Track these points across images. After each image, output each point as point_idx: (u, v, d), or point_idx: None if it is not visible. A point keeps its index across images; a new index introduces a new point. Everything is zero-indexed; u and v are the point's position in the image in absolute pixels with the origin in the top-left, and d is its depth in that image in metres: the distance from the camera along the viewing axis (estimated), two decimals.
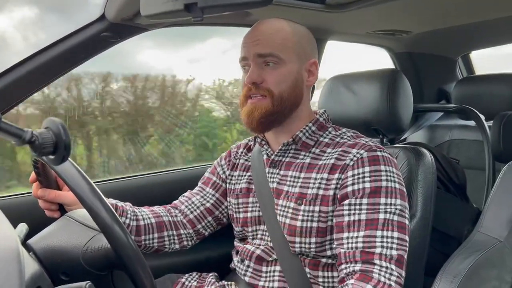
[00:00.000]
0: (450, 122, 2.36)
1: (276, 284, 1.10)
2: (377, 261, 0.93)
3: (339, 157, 1.06)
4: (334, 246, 1.02)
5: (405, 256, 0.96)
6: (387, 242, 0.95)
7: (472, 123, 2.13)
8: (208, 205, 1.27)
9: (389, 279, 0.91)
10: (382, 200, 0.98)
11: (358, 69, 1.50)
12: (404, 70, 2.27)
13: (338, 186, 1.03)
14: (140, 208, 1.21)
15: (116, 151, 2.68)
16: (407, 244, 0.97)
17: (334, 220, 1.02)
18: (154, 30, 1.35)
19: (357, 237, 0.96)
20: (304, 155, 1.12)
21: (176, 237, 1.23)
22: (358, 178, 1.01)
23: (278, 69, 1.07)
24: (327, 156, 1.08)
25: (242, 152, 1.28)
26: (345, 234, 0.98)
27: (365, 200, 0.99)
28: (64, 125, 0.54)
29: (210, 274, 1.25)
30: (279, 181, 1.13)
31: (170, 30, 1.43)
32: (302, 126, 1.13)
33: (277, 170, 1.14)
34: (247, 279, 1.15)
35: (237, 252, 1.24)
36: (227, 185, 1.28)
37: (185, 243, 1.26)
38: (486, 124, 1.93)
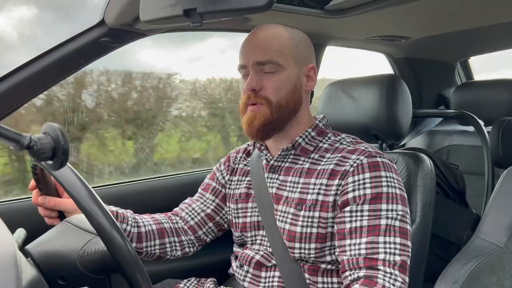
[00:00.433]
0: (449, 128, 2.36)
1: None
2: (381, 267, 0.92)
3: (338, 162, 1.06)
4: (336, 253, 1.01)
5: (408, 262, 0.95)
6: (390, 248, 0.94)
7: (471, 128, 2.13)
8: (208, 211, 1.27)
9: (394, 285, 0.91)
10: (384, 206, 0.98)
11: (357, 75, 1.50)
12: (403, 75, 2.28)
13: (338, 192, 1.03)
14: (141, 216, 1.20)
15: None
16: (410, 250, 0.97)
17: (335, 227, 1.02)
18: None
19: (359, 243, 0.96)
20: (304, 161, 1.12)
21: (177, 244, 1.23)
22: (359, 184, 1.01)
23: (277, 76, 1.07)
24: (326, 162, 1.08)
25: (241, 157, 1.28)
26: (347, 241, 0.98)
27: (366, 207, 0.98)
28: (63, 130, 0.54)
29: (209, 280, 1.25)
30: (278, 186, 1.13)
31: None
32: (301, 131, 1.13)
33: (276, 175, 1.14)
34: (246, 284, 1.15)
35: (236, 257, 1.23)
36: (227, 190, 1.28)
37: (187, 249, 1.25)
38: (485, 129, 1.93)
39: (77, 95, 2.23)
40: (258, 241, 1.17)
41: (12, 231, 0.79)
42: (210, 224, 1.27)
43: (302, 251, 1.06)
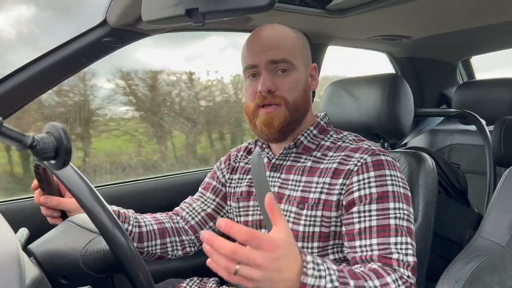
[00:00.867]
0: (451, 127, 2.36)
1: None
2: (396, 266, 0.91)
3: (341, 161, 1.05)
4: (346, 251, 1.01)
5: (416, 262, 0.95)
6: (401, 249, 0.94)
7: (473, 127, 2.13)
8: (209, 210, 1.27)
9: (407, 280, 0.90)
10: (391, 205, 0.98)
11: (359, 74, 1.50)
12: (405, 75, 2.28)
13: (343, 192, 1.02)
14: (143, 215, 1.21)
15: None
16: (415, 250, 0.97)
17: (344, 228, 1.01)
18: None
19: (371, 244, 0.95)
20: (306, 159, 1.12)
21: (178, 243, 1.23)
22: (364, 184, 1.00)
23: (290, 75, 1.06)
24: (329, 160, 1.08)
25: (242, 156, 1.28)
26: (357, 242, 0.97)
27: (374, 206, 0.98)
28: (65, 130, 0.54)
29: (211, 279, 1.25)
30: (280, 185, 1.13)
31: None
32: (303, 129, 1.13)
33: (278, 173, 1.14)
34: None
35: None
36: (227, 188, 1.27)
37: (187, 249, 1.25)
38: (487, 128, 1.93)
39: None
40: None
41: (15, 230, 0.80)
42: (211, 224, 1.27)
43: (305, 250, 1.06)
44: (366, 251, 0.95)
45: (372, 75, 1.43)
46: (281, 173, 1.13)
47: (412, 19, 1.64)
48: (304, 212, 1.05)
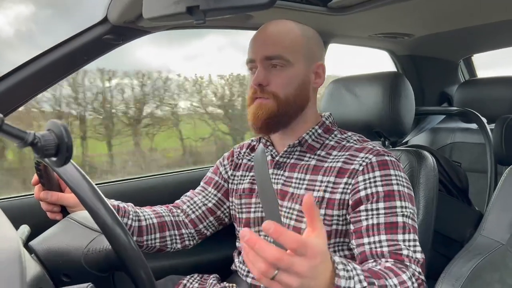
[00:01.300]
0: (452, 125, 2.36)
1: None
2: (407, 263, 0.92)
3: (346, 160, 1.06)
4: (354, 248, 1.01)
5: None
6: (409, 246, 0.94)
7: (474, 126, 2.13)
8: (210, 205, 1.27)
9: (419, 277, 0.91)
10: (398, 203, 0.98)
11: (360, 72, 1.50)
12: (406, 73, 2.27)
13: (348, 191, 1.03)
14: (142, 208, 1.21)
15: None
16: None
17: (351, 227, 1.01)
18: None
19: (380, 241, 0.95)
20: (309, 157, 1.12)
21: (178, 237, 1.23)
22: (370, 183, 1.01)
23: (285, 72, 1.07)
24: (333, 159, 1.08)
25: (245, 152, 1.28)
26: (366, 239, 0.97)
27: (381, 204, 0.98)
28: (67, 127, 0.54)
29: (212, 276, 1.25)
30: (283, 182, 1.13)
31: None
32: (308, 128, 1.13)
33: (282, 171, 1.14)
34: (249, 280, 1.15)
35: (238, 253, 1.24)
36: (230, 185, 1.28)
37: (186, 242, 1.26)
38: (488, 127, 1.93)
39: None
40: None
41: (16, 227, 0.80)
42: (211, 218, 1.27)
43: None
44: (376, 247, 0.95)
45: (373, 73, 1.43)
46: (285, 171, 1.14)
47: (414, 17, 1.64)
48: None
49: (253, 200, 1.19)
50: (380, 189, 1.00)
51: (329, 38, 1.82)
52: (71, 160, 0.64)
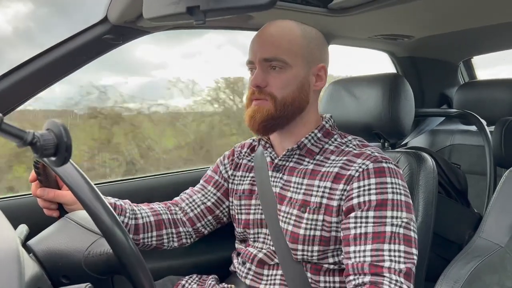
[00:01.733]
0: (452, 127, 2.36)
1: (277, 287, 1.10)
2: (386, 274, 0.92)
3: (343, 166, 1.05)
4: (341, 257, 1.01)
5: (413, 269, 0.95)
6: (395, 256, 0.94)
7: (473, 128, 2.13)
8: (209, 204, 1.27)
9: None
10: (389, 213, 0.97)
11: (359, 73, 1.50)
12: (406, 74, 2.27)
13: (343, 197, 1.02)
14: (139, 206, 1.21)
15: None
16: (415, 257, 0.96)
17: (341, 233, 1.01)
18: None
19: (364, 250, 0.95)
20: (308, 162, 1.11)
21: (175, 235, 1.23)
22: (364, 190, 1.00)
23: (283, 74, 1.06)
24: (330, 164, 1.08)
25: (245, 152, 1.28)
26: (352, 248, 0.97)
27: (371, 213, 0.98)
28: (66, 127, 0.54)
29: (210, 277, 1.25)
30: (282, 186, 1.12)
31: None
32: (308, 131, 1.12)
33: (280, 174, 1.14)
34: (248, 281, 1.15)
35: (237, 254, 1.23)
36: (230, 185, 1.27)
37: (184, 241, 1.26)
38: (487, 129, 1.93)
39: None
40: (261, 239, 1.17)
41: (15, 227, 0.80)
42: (210, 217, 1.27)
43: (305, 253, 1.06)
44: (359, 256, 0.95)
45: (373, 74, 1.43)
46: (283, 174, 1.13)
47: (414, 19, 1.64)
48: (306, 215, 1.05)
49: (253, 201, 1.19)
50: (373, 197, 0.99)
51: (329, 39, 1.82)
52: (70, 160, 0.64)
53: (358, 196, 1.00)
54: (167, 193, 1.41)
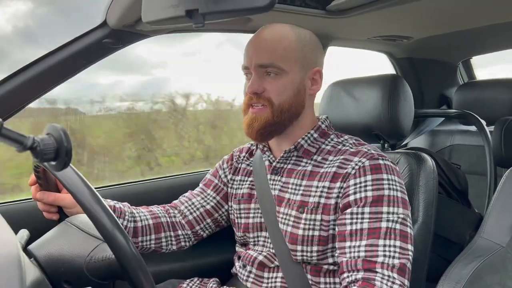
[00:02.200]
0: (452, 128, 2.36)
1: None
2: (379, 270, 0.92)
3: (340, 165, 1.05)
4: (336, 254, 1.01)
5: (408, 265, 0.95)
6: (389, 251, 0.94)
7: (473, 128, 2.13)
8: (208, 207, 1.27)
9: (391, 287, 0.91)
10: (385, 209, 0.98)
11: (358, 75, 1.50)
12: (405, 75, 2.28)
13: (340, 195, 1.03)
14: (138, 209, 1.21)
15: None
16: (411, 253, 0.97)
17: (336, 229, 1.02)
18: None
19: (359, 246, 0.96)
20: (306, 163, 1.11)
21: (173, 238, 1.23)
22: (360, 187, 1.00)
23: (279, 79, 1.06)
24: (328, 164, 1.08)
25: (244, 157, 1.28)
26: (348, 243, 0.98)
27: (367, 209, 0.98)
28: (66, 131, 0.54)
29: (211, 280, 1.25)
30: (280, 188, 1.13)
31: None
32: (304, 133, 1.13)
33: (279, 177, 1.14)
34: (249, 284, 1.15)
35: (238, 257, 1.23)
36: (229, 189, 1.28)
37: (182, 244, 1.26)
38: (487, 129, 1.93)
39: None
40: (261, 242, 1.17)
41: (15, 231, 0.80)
42: (208, 220, 1.27)
43: (304, 253, 1.06)
44: (354, 252, 0.96)
45: (372, 75, 1.43)
46: (282, 176, 1.13)
47: (412, 20, 1.64)
48: (304, 216, 1.05)
49: (252, 205, 1.19)
50: (369, 194, 0.99)
51: (328, 41, 1.82)
52: (70, 164, 0.64)
53: (355, 193, 1.00)
54: (166, 196, 1.42)
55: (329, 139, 1.14)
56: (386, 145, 1.47)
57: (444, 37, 1.92)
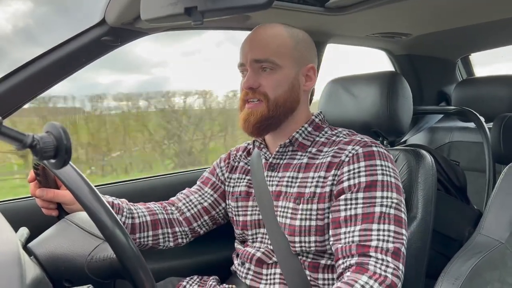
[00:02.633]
0: (450, 124, 2.36)
1: (276, 286, 1.10)
2: (372, 254, 0.93)
3: (335, 154, 1.07)
4: (331, 241, 1.02)
5: (403, 250, 0.96)
6: (383, 235, 0.95)
7: (472, 125, 2.13)
8: (205, 204, 1.28)
9: (385, 271, 0.91)
10: (378, 194, 0.99)
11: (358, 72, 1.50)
12: (404, 72, 2.27)
13: (334, 182, 1.04)
14: (136, 205, 1.22)
15: None
16: (405, 238, 0.98)
17: (330, 216, 1.03)
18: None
19: (353, 231, 0.97)
20: (301, 155, 1.13)
21: (170, 235, 1.24)
22: (354, 173, 1.02)
23: (274, 74, 1.09)
24: (323, 155, 1.10)
25: (241, 155, 1.29)
26: (343, 229, 0.99)
27: (361, 194, 0.99)
28: (65, 129, 0.54)
29: (211, 277, 1.25)
30: (277, 183, 1.14)
31: None
32: (298, 127, 1.15)
33: (276, 173, 1.15)
34: (248, 282, 1.15)
35: (237, 255, 1.24)
36: (226, 187, 1.28)
37: (179, 240, 1.26)
38: (486, 126, 1.93)
39: None
40: (259, 239, 1.18)
41: (15, 230, 0.80)
42: (206, 217, 1.28)
43: (303, 244, 1.06)
44: (348, 237, 0.97)
45: (371, 72, 1.43)
46: (278, 172, 1.15)
47: (411, 17, 1.64)
48: (300, 206, 1.06)
49: (250, 203, 1.20)
50: (362, 179, 1.00)
51: (327, 38, 1.82)
52: (70, 162, 0.64)
53: (348, 179, 1.01)
54: (163, 194, 1.42)
55: (323, 132, 1.16)
56: (385, 142, 1.47)
57: (443, 34, 1.92)
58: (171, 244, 1.25)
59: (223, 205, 1.29)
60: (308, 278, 1.08)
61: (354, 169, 1.02)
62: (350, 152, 1.05)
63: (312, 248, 1.06)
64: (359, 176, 1.01)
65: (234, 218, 1.24)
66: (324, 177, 1.06)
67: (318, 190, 1.05)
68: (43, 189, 1.03)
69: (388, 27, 1.79)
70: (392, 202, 0.99)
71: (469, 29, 1.82)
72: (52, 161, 0.54)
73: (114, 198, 1.17)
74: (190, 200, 1.28)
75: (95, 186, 0.78)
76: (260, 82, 1.09)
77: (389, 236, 0.95)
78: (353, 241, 0.96)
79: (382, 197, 0.99)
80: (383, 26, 1.76)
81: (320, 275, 1.08)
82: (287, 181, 1.12)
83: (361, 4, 1.38)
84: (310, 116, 1.18)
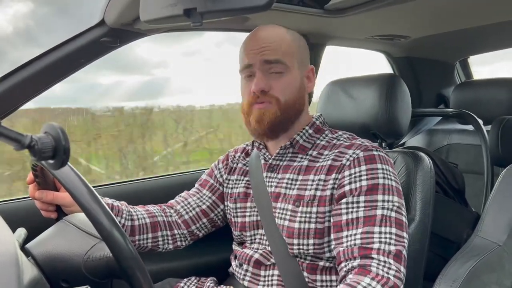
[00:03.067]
0: (449, 127, 2.36)
1: None
2: (374, 256, 0.93)
3: (335, 158, 1.07)
4: (332, 245, 1.02)
5: (404, 252, 0.96)
6: (385, 238, 0.95)
7: (470, 127, 2.14)
8: (204, 207, 1.27)
9: (388, 273, 0.91)
10: (380, 197, 0.99)
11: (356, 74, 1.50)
12: (403, 74, 2.28)
13: (335, 186, 1.04)
14: (135, 208, 1.21)
15: None
16: (406, 241, 0.98)
17: (332, 220, 1.03)
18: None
19: (355, 234, 0.97)
20: (302, 158, 1.13)
21: (170, 237, 1.23)
22: (355, 177, 1.02)
23: (284, 77, 1.08)
24: (324, 158, 1.09)
25: (240, 157, 1.29)
26: (345, 233, 0.99)
27: (362, 198, 0.99)
28: (64, 130, 0.54)
29: (209, 279, 1.25)
30: (277, 184, 1.13)
31: None
32: (299, 129, 1.14)
33: (275, 174, 1.15)
34: (246, 283, 1.15)
35: (235, 257, 1.24)
36: (224, 189, 1.28)
37: (178, 243, 1.26)
38: (484, 128, 1.93)
39: None
40: (257, 240, 1.17)
41: (13, 230, 0.80)
42: (204, 220, 1.28)
43: (301, 247, 1.06)
44: (350, 240, 0.97)
45: (370, 75, 1.43)
46: (278, 173, 1.14)
47: (410, 19, 1.65)
48: (300, 209, 1.06)
49: (248, 204, 1.20)
50: (364, 183, 1.00)
51: (326, 40, 1.83)
52: (68, 163, 0.64)
53: (350, 183, 1.01)
54: (162, 195, 1.42)
55: (323, 135, 1.15)
56: (383, 144, 1.47)
57: (442, 37, 1.92)
58: (171, 246, 1.24)
59: (222, 207, 1.29)
60: (306, 280, 1.08)
61: (355, 173, 1.02)
62: (351, 156, 1.04)
63: (310, 251, 1.06)
64: (360, 180, 1.01)
65: (233, 220, 1.24)
66: (325, 181, 1.05)
67: (318, 193, 1.05)
68: (43, 191, 1.02)
69: (387, 30, 1.80)
70: (394, 205, 0.99)
71: (467, 32, 1.83)
72: (51, 161, 0.54)
73: (113, 200, 1.16)
74: (189, 203, 1.28)
75: (93, 187, 0.78)
76: (271, 85, 1.07)
77: (390, 238, 0.95)
78: (355, 244, 0.96)
79: (383, 201, 0.99)
80: (382, 28, 1.77)
81: (318, 277, 1.08)
82: (287, 183, 1.11)
83: (360, 7, 1.39)
84: (310, 118, 1.18)
